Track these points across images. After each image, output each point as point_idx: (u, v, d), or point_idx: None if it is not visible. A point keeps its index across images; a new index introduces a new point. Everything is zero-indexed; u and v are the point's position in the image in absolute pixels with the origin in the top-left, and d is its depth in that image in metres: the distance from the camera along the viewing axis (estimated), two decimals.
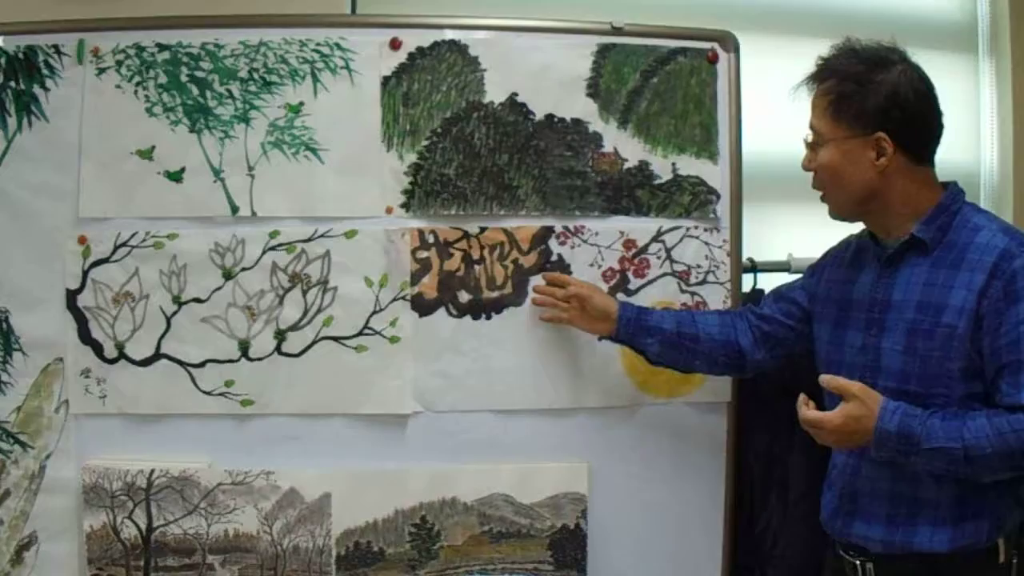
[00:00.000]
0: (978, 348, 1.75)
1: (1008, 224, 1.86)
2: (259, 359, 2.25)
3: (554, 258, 2.30)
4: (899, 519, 1.83)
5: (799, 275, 2.50)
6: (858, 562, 1.90)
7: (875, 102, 1.81)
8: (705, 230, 2.36)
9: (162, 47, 2.23)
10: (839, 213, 1.94)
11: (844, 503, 1.93)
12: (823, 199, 1.95)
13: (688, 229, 2.35)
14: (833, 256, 2.10)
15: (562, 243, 2.30)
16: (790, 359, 2.20)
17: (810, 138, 1.92)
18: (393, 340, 2.26)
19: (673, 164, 2.34)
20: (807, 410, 1.79)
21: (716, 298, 2.35)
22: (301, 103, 2.24)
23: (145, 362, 2.24)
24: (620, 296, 2.31)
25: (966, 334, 1.75)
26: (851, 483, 1.91)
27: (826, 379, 1.80)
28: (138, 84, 2.23)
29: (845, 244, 2.08)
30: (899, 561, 1.84)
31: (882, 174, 1.84)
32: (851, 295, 1.97)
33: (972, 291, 1.75)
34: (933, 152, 1.89)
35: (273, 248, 2.24)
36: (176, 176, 2.23)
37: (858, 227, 2.02)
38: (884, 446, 1.75)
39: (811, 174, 1.95)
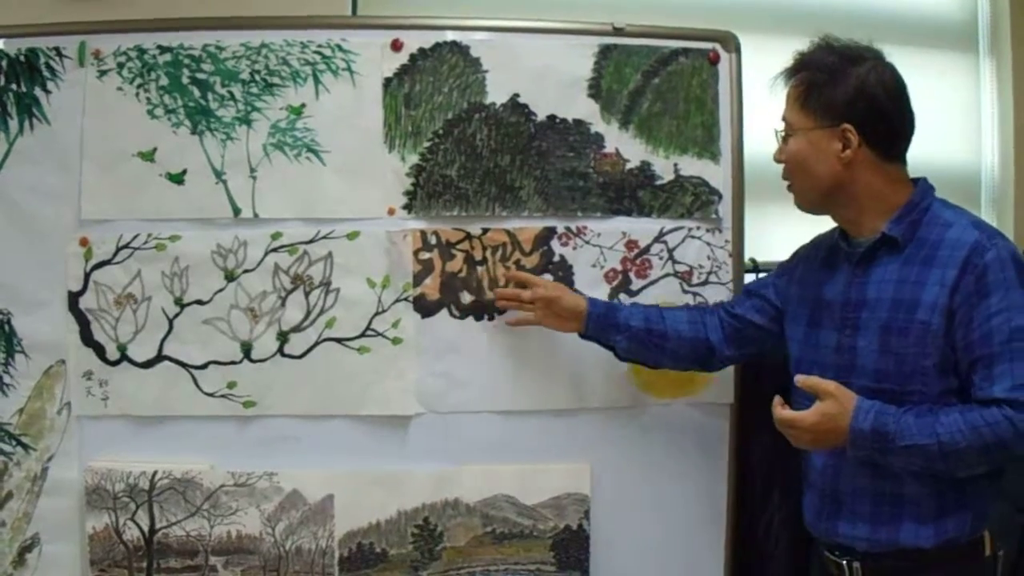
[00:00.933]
0: (952, 343, 1.76)
1: (978, 218, 1.87)
2: (261, 361, 2.25)
3: (556, 259, 2.30)
4: (883, 517, 1.84)
5: None
6: (844, 562, 1.90)
7: (843, 93, 1.84)
8: (707, 230, 2.36)
9: (163, 49, 2.23)
10: (804, 204, 1.97)
11: (827, 504, 1.94)
12: (789, 189, 1.97)
13: (690, 230, 2.35)
14: (804, 256, 2.11)
15: (564, 244, 2.31)
16: (762, 356, 2.23)
17: (781, 131, 1.95)
18: (395, 341, 2.26)
19: (675, 165, 2.34)
20: (781, 410, 1.80)
21: (718, 298, 2.34)
22: (303, 105, 2.24)
23: (147, 364, 2.25)
24: (622, 297, 2.32)
25: (940, 330, 1.76)
26: (833, 483, 1.92)
27: (801, 379, 1.82)
28: (139, 86, 2.23)
29: (815, 244, 2.09)
30: (884, 559, 1.85)
31: (847, 166, 1.86)
32: (824, 295, 1.97)
33: (944, 287, 1.76)
34: (902, 150, 1.90)
35: (275, 250, 2.24)
36: (178, 178, 2.23)
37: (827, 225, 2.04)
38: (859, 445, 1.76)
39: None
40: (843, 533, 1.90)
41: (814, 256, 2.06)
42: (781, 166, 1.97)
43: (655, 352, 2.17)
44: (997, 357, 1.71)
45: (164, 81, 2.23)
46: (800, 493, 2.27)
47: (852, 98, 1.83)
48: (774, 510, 2.36)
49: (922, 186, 1.90)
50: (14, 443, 2.23)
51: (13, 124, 2.21)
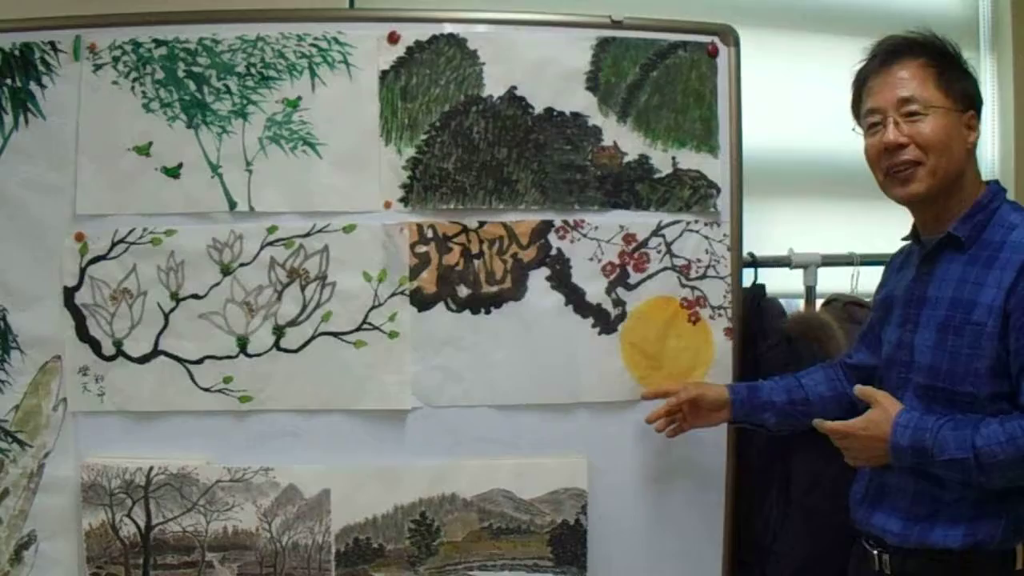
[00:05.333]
0: (1006, 347, 1.73)
1: None
2: (258, 355, 2.24)
3: (553, 252, 2.29)
4: (919, 515, 1.82)
5: (799, 270, 2.52)
6: (876, 552, 1.90)
7: (971, 82, 1.85)
8: (705, 224, 2.35)
9: (159, 43, 2.22)
10: (931, 187, 1.84)
11: (871, 494, 1.94)
12: (910, 175, 1.84)
13: (688, 223, 2.34)
14: (890, 264, 2.11)
15: (561, 237, 2.30)
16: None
17: (897, 110, 1.84)
18: (392, 335, 2.25)
19: (673, 158, 2.33)
20: (828, 423, 1.85)
21: (716, 292, 2.35)
22: (299, 98, 2.24)
23: (143, 359, 2.24)
24: (620, 290, 2.31)
25: (994, 332, 1.73)
26: (880, 475, 1.91)
27: (858, 389, 1.85)
28: (135, 80, 2.22)
29: (899, 250, 2.08)
30: (913, 556, 1.84)
31: (968, 154, 1.84)
32: (895, 293, 1.98)
33: (1001, 289, 1.73)
34: None
35: (271, 243, 2.24)
36: (173, 172, 2.23)
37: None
38: (902, 460, 1.77)
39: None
40: (877, 524, 1.90)
41: (896, 261, 2.07)
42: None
43: (804, 419, 2.08)
44: None
45: (160, 75, 2.22)
46: (801, 489, 2.28)
47: (975, 88, 1.84)
48: (772, 505, 2.35)
49: (993, 188, 1.87)
50: (10, 440, 2.23)
51: (8, 119, 2.21)
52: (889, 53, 1.89)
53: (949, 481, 1.77)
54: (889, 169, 1.86)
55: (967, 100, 1.84)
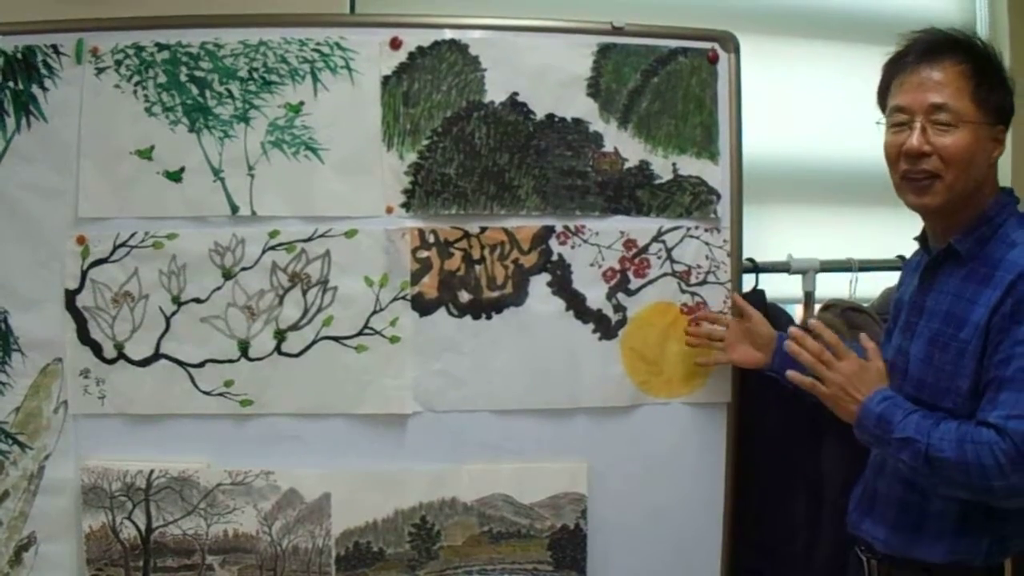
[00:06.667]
0: (983, 364, 1.71)
1: None
2: (259, 359, 2.24)
3: (554, 258, 2.29)
4: (904, 526, 1.83)
5: (799, 276, 2.52)
6: (865, 558, 1.91)
7: (1007, 94, 1.77)
8: (705, 230, 2.35)
9: (161, 47, 2.22)
10: (950, 199, 1.78)
11: (864, 499, 1.95)
12: (927, 186, 1.79)
13: (688, 229, 2.35)
14: (907, 265, 2.10)
15: (562, 243, 2.30)
16: None
17: (927, 116, 1.77)
18: (393, 340, 2.26)
19: (674, 164, 2.34)
20: (829, 332, 1.87)
21: (716, 298, 2.35)
22: (301, 102, 2.24)
23: (144, 362, 2.24)
24: (620, 296, 2.31)
25: (976, 351, 1.71)
26: (873, 481, 1.93)
27: (863, 336, 1.89)
28: (137, 84, 2.22)
29: (916, 251, 2.03)
30: (899, 566, 1.85)
31: (989, 168, 1.79)
32: (903, 298, 1.98)
33: (987, 308, 1.70)
34: None
35: (273, 248, 2.24)
36: (175, 176, 2.23)
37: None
38: (864, 426, 1.77)
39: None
40: (866, 530, 1.91)
41: (912, 261, 2.05)
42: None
43: None
44: (1008, 383, 1.65)
45: (162, 79, 2.22)
46: (837, 491, 2.27)
47: (1010, 99, 1.77)
48: (799, 507, 2.36)
49: (1001, 200, 1.81)
50: (11, 442, 2.22)
51: (10, 122, 2.20)
52: (927, 50, 1.80)
53: (933, 493, 1.76)
54: (906, 174, 1.80)
55: (1000, 114, 1.77)
